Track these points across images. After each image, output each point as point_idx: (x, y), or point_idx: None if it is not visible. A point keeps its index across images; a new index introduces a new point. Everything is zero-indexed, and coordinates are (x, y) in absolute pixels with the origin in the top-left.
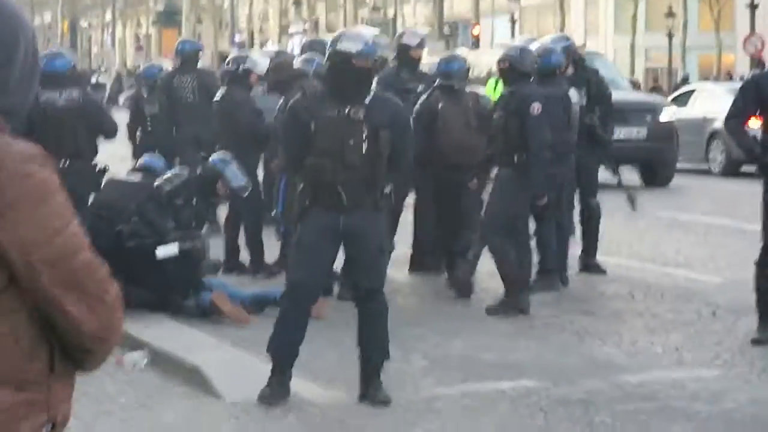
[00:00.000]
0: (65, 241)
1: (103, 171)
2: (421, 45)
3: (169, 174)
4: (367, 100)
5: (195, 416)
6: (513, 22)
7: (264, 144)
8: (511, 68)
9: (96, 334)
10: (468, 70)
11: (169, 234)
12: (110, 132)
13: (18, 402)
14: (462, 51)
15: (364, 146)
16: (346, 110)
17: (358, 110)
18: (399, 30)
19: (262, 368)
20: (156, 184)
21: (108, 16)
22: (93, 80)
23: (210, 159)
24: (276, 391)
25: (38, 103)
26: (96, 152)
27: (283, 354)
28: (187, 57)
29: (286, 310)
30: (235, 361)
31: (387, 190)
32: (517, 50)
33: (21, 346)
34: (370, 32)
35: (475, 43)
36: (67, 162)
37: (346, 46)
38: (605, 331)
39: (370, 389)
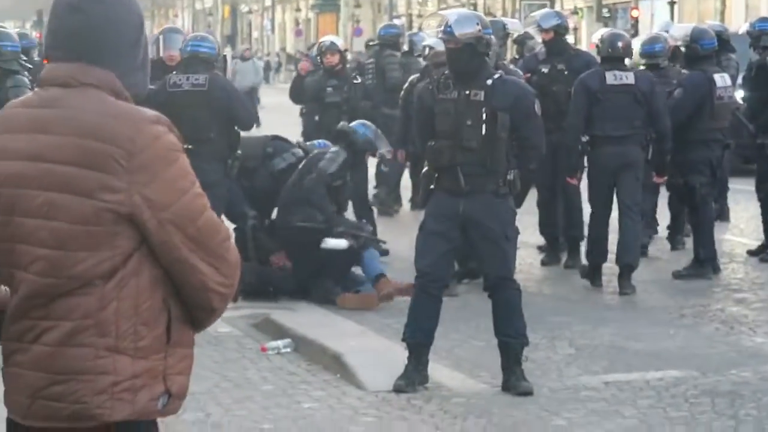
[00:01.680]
0: (190, 201)
1: (236, 158)
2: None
3: (330, 154)
4: (489, 82)
5: (336, 405)
6: (672, 4)
7: None
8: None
9: (220, 291)
10: (669, 49)
11: (335, 221)
12: (242, 122)
13: (137, 371)
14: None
15: (483, 128)
16: (466, 92)
17: (478, 92)
18: None
19: (405, 357)
20: (320, 165)
21: (267, 1)
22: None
23: (355, 129)
24: (411, 378)
25: (165, 85)
26: (227, 139)
27: (417, 341)
28: (386, 41)
29: (416, 297)
30: (378, 349)
31: (510, 176)
32: (599, 38)
33: (139, 312)
34: (452, 14)
35: (634, 26)
36: (189, 146)
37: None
38: (755, 320)
39: (512, 378)
